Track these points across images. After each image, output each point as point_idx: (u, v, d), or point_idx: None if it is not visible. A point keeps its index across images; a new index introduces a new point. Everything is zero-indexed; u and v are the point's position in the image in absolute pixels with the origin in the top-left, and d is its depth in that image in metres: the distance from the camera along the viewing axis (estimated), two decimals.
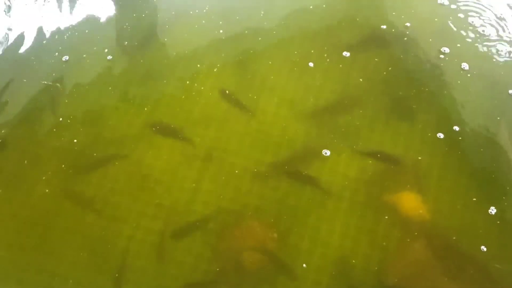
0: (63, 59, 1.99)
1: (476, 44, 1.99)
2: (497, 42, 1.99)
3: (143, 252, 1.58)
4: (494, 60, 1.95)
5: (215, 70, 1.96)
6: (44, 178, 1.70)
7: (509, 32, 2.02)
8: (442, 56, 1.96)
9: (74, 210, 1.65)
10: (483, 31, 2.02)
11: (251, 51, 2.01)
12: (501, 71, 1.92)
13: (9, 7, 2.16)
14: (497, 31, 2.02)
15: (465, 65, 1.92)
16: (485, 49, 1.98)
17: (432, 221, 1.59)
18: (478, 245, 1.54)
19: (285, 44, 2.03)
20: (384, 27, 2.05)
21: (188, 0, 2.19)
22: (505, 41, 2.00)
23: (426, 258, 1.53)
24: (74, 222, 1.63)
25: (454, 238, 1.56)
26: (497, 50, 1.97)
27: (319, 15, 2.12)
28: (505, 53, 1.96)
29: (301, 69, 1.94)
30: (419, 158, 1.72)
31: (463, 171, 1.71)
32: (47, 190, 1.68)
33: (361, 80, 1.90)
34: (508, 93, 1.86)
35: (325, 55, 1.97)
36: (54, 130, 1.81)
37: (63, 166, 1.73)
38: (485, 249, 1.53)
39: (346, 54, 1.97)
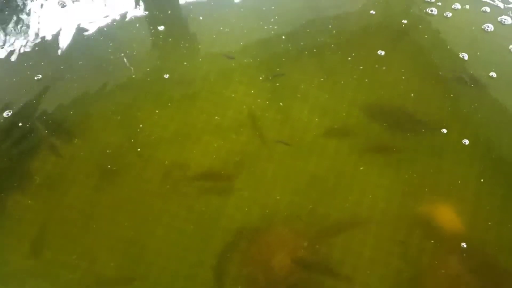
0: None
1: None
2: None
3: (174, 253, 1.60)
4: None
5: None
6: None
7: None
8: None
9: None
10: None
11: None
12: None
13: None
14: None
15: None
16: None
17: (467, 235, 1.56)
18: None
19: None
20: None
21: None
22: None
23: (462, 274, 1.49)
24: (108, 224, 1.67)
25: (491, 253, 1.52)
26: None
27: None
28: None
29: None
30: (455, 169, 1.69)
31: (499, 182, 1.67)
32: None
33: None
34: None
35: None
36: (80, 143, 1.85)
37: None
38: None
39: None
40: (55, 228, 1.65)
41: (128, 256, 1.60)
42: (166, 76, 1.97)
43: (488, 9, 2.11)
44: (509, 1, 2.12)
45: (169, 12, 2.22)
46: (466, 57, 2.00)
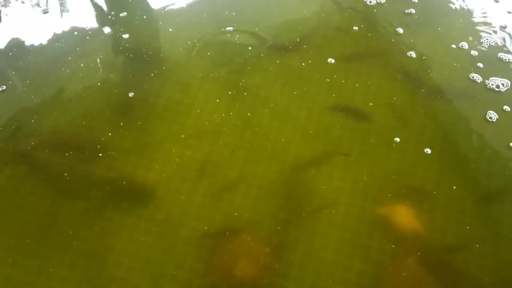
0: None
1: None
2: None
3: (135, 266, 1.58)
4: None
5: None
6: None
7: None
8: None
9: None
10: None
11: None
12: None
13: None
14: None
15: None
16: None
17: (426, 235, 1.58)
18: (473, 261, 1.54)
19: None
20: None
21: None
22: None
23: (421, 274, 1.51)
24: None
25: (448, 253, 1.55)
26: None
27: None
28: None
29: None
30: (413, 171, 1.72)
31: (457, 184, 1.71)
32: None
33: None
34: None
35: None
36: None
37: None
38: (480, 264, 1.52)
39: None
40: (12, 243, 1.62)
41: (89, 269, 1.56)
42: (131, 94, 1.96)
43: None
44: None
45: (145, 17, 2.21)
46: (413, 54, 2.06)
